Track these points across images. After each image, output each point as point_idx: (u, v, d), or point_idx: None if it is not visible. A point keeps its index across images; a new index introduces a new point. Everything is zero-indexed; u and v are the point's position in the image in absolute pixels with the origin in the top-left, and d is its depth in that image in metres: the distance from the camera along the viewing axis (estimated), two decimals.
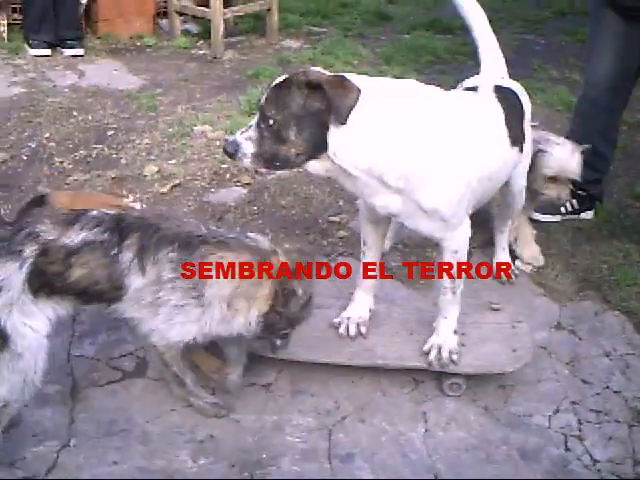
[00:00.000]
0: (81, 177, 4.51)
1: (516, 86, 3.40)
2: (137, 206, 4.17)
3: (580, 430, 2.89)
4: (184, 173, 4.63)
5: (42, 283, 2.41)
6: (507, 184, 3.46)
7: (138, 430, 2.77)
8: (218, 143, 5.01)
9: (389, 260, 3.86)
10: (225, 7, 6.94)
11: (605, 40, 3.99)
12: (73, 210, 2.58)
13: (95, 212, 2.53)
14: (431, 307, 3.36)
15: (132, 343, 3.18)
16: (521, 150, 3.27)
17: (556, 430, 2.89)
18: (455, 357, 3.00)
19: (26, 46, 6.63)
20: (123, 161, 4.75)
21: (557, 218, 4.37)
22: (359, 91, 2.50)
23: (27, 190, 4.33)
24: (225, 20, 6.97)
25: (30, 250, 2.38)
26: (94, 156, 4.79)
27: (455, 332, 3.08)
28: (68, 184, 4.41)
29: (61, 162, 4.68)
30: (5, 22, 6.80)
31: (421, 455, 2.74)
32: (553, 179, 3.83)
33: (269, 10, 7.37)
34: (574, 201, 4.30)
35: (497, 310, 3.51)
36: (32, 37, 6.60)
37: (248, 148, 2.62)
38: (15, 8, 6.87)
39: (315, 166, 2.63)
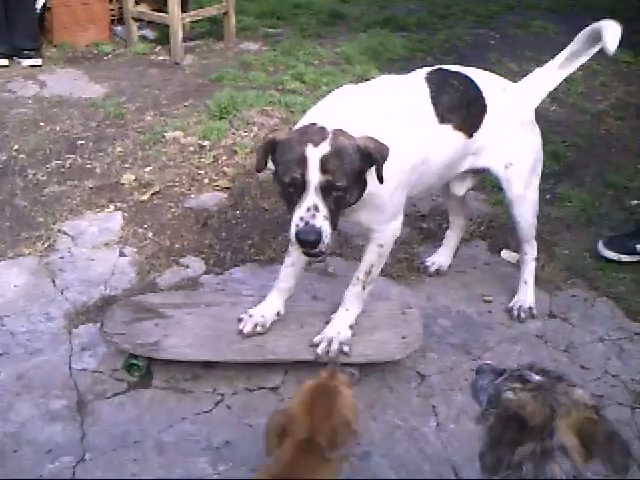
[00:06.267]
0: (57, 188, 4.43)
1: (481, 75, 3.22)
2: (119, 215, 4.16)
3: None
4: (162, 180, 4.58)
5: None
6: (502, 190, 3.34)
7: (152, 441, 2.75)
8: (192, 149, 4.99)
9: None
10: (182, 12, 6.89)
11: None
12: None
13: None
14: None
15: None
16: (469, 134, 3.08)
17: None
18: (346, 349, 3.02)
19: None
20: (98, 170, 4.67)
21: (634, 258, 3.95)
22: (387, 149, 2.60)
23: (2, 203, 4.25)
24: (183, 25, 6.93)
25: None
26: (68, 166, 4.71)
27: (351, 327, 3.10)
28: (44, 196, 4.34)
29: (34, 174, 4.58)
30: None
31: (436, 448, 2.77)
32: None
33: (226, 13, 7.33)
34: None
35: (489, 302, 3.59)
36: None
37: (327, 229, 2.50)
38: None
39: None
